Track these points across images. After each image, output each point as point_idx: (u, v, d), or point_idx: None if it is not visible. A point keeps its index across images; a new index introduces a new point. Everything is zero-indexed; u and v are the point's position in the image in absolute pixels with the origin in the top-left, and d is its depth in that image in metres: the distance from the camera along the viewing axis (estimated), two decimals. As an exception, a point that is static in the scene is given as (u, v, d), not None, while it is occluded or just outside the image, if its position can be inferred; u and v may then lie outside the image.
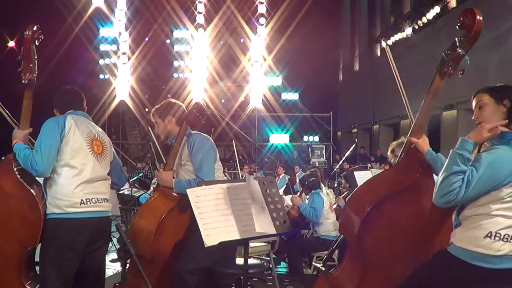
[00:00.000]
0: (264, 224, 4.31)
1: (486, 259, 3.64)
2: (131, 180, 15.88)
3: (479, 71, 16.12)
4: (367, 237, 4.36)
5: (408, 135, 4.67)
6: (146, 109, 27.89)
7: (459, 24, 4.06)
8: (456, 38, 4.07)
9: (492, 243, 3.62)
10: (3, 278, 4.99)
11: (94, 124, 5.42)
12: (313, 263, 8.09)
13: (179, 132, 5.55)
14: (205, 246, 4.07)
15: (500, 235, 3.62)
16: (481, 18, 3.97)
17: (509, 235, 3.63)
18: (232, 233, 4.23)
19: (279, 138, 28.43)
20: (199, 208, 4.20)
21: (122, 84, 27.57)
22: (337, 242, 5.10)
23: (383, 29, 30.27)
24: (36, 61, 5.08)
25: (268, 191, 4.45)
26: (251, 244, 8.22)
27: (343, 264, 4.80)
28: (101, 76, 28.89)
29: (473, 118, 4.07)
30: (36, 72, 5.07)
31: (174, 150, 5.61)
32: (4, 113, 5.65)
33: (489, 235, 3.64)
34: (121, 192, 14.84)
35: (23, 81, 5.03)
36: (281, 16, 27.48)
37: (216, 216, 4.22)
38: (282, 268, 10.19)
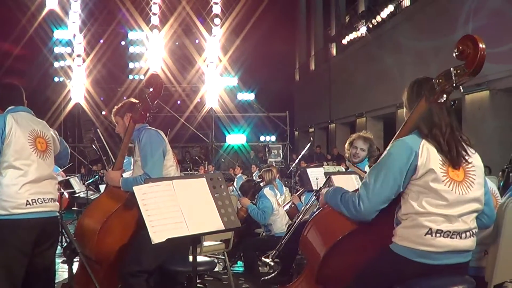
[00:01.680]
0: (212, 221, 4.31)
1: (429, 255, 3.64)
2: (87, 182, 15.79)
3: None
4: (333, 260, 4.21)
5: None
6: (103, 112, 27.73)
7: (457, 53, 3.56)
8: (452, 69, 3.58)
9: (433, 240, 3.63)
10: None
11: (37, 119, 5.33)
12: (262, 258, 8.10)
13: (126, 130, 5.53)
14: (152, 243, 4.05)
15: (442, 232, 3.65)
16: (484, 46, 3.45)
17: (450, 232, 3.64)
18: (180, 230, 4.20)
19: (235, 139, 28.44)
20: (145, 205, 4.17)
21: (77, 86, 27.32)
22: (285, 238, 5.07)
23: (338, 29, 30.43)
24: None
25: (215, 187, 4.45)
26: (206, 243, 8.22)
27: (300, 280, 4.72)
28: (56, 79, 28.64)
29: None
30: None
31: (122, 148, 5.60)
32: None
33: (429, 232, 3.64)
34: (76, 195, 14.78)
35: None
36: (236, 16, 27.51)
37: (164, 213, 4.18)
38: (239, 267, 10.19)
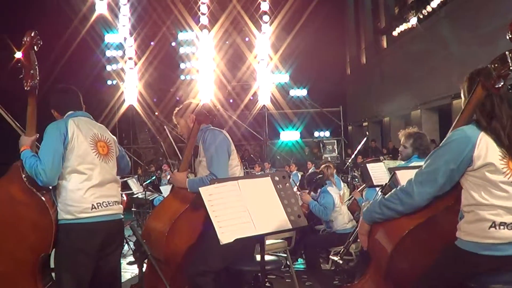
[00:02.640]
0: (279, 220, 4.26)
1: (496, 247, 3.55)
2: (144, 183, 15.89)
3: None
4: (400, 256, 4.15)
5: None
6: (156, 113, 27.95)
7: (510, 36, 3.57)
8: (507, 52, 3.55)
9: (497, 232, 3.54)
10: (18, 284, 4.96)
11: (95, 122, 5.35)
12: (330, 256, 8.03)
13: (191, 132, 5.51)
14: (221, 243, 4.01)
15: (505, 224, 3.55)
16: None
17: None
18: (247, 230, 4.17)
19: (289, 135, 28.43)
20: (212, 206, 4.14)
21: (130, 89, 27.59)
22: (353, 235, 4.98)
23: (388, 21, 30.17)
24: (36, 66, 5.01)
25: (280, 186, 4.40)
26: (268, 242, 8.18)
27: (366, 278, 4.66)
28: (109, 82, 28.91)
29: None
30: (38, 78, 5.01)
31: (186, 150, 5.58)
32: (10, 121, 5.60)
33: (493, 225, 3.55)
34: (135, 196, 14.89)
35: (26, 88, 4.96)
36: (286, 13, 27.45)
37: (231, 213, 4.16)
38: (300, 264, 10.15)
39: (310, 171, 18.06)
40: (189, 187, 5.44)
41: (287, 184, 4.45)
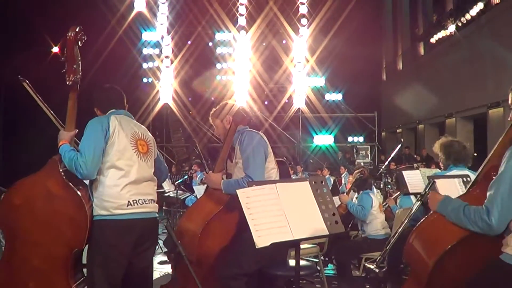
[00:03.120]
0: (316, 225, 4.25)
1: None
2: (176, 182, 15.92)
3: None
4: (442, 269, 4.09)
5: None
6: (190, 112, 28.03)
7: None
8: None
9: None
10: (51, 279, 5.01)
11: (137, 122, 5.41)
12: (365, 264, 7.97)
13: (227, 133, 5.50)
14: (257, 247, 4.00)
15: None
16: None
17: None
18: (284, 234, 4.16)
19: (323, 139, 28.35)
20: (249, 208, 4.13)
21: (166, 87, 27.70)
22: (390, 243, 4.92)
23: (426, 27, 30.00)
24: (79, 62, 5.08)
25: (319, 191, 4.38)
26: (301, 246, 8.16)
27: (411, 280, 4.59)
28: (145, 80, 29.03)
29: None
30: (80, 73, 5.07)
31: (222, 151, 5.57)
32: (50, 115, 5.66)
33: None
34: (166, 194, 14.92)
35: (68, 83, 5.03)
36: (324, 16, 27.41)
37: (267, 217, 4.15)
38: (330, 270, 10.11)
39: (343, 175, 18.04)
40: (224, 188, 5.44)
41: (325, 189, 4.44)
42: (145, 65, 28.70)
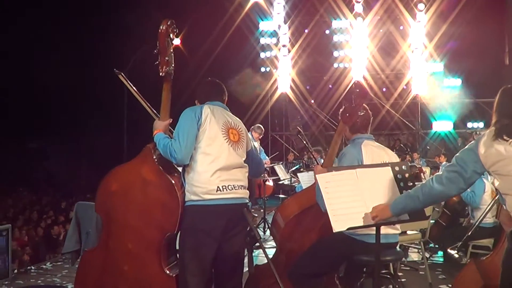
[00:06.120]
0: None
1: None
2: (290, 170, 16.11)
3: None
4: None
5: None
6: (312, 101, 28.11)
7: None
8: None
9: None
10: (144, 261, 5.28)
11: (231, 114, 5.56)
12: (448, 249, 7.93)
13: (336, 131, 5.63)
14: (334, 231, 4.10)
15: None
16: None
17: None
18: (361, 219, 4.23)
19: (442, 125, 27.78)
20: (328, 193, 4.23)
21: (283, 76, 27.83)
22: (472, 228, 4.90)
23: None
24: (172, 54, 5.30)
25: (400, 176, 4.42)
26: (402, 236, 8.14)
27: (497, 251, 4.62)
28: (263, 69, 29.26)
29: None
30: (173, 65, 5.29)
31: (331, 148, 5.66)
32: (145, 106, 5.91)
33: None
34: (281, 182, 15.16)
35: (161, 74, 5.26)
36: (442, 1, 26.84)
37: (346, 202, 4.23)
38: (440, 257, 10.02)
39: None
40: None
41: (407, 174, 4.46)
42: (262, 55, 28.87)
